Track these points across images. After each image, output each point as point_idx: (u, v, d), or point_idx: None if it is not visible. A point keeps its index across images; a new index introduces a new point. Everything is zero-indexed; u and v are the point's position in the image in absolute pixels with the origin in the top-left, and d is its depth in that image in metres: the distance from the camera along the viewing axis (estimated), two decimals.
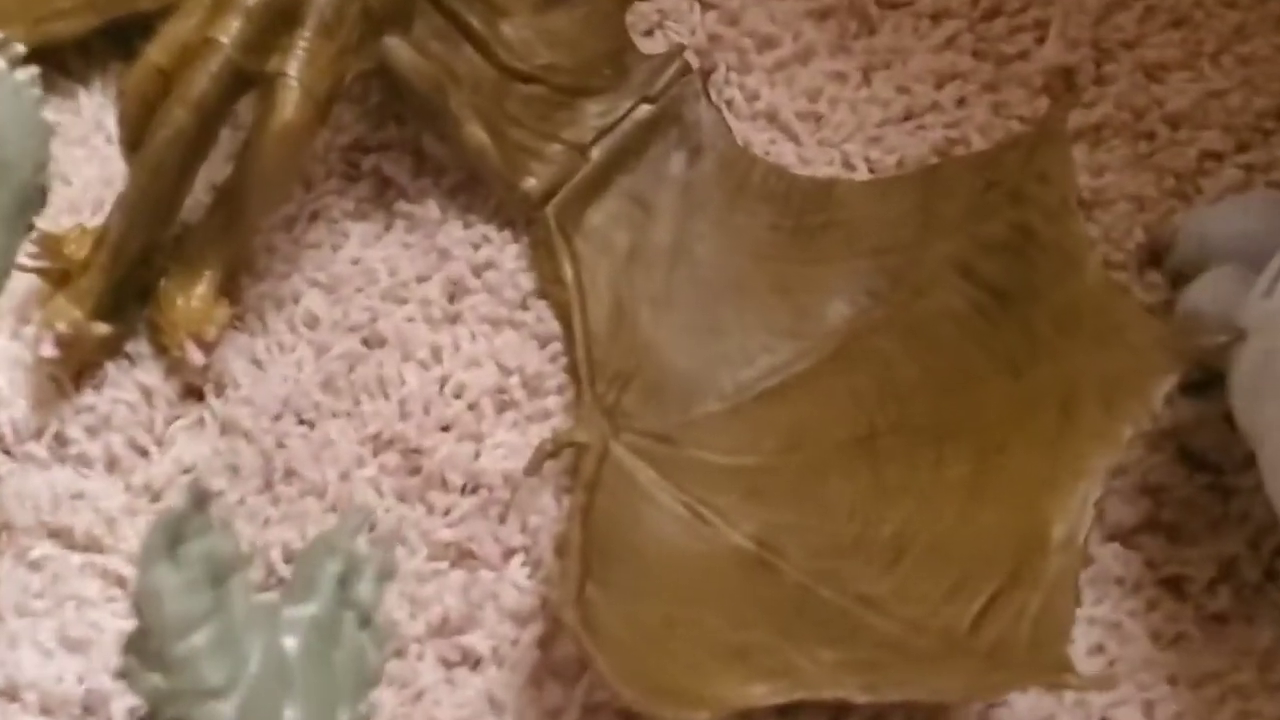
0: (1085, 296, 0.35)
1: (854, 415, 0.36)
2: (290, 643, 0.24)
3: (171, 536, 0.22)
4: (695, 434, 0.37)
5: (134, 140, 0.36)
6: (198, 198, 0.39)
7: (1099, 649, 0.34)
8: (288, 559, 0.35)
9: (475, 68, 0.39)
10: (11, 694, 0.34)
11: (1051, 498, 0.32)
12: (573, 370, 0.38)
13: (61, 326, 0.36)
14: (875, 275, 0.39)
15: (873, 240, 0.39)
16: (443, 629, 0.35)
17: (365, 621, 0.26)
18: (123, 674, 0.23)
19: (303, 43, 0.35)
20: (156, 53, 0.35)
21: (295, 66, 0.35)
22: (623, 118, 0.41)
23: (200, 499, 0.23)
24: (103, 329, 0.37)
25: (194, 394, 0.38)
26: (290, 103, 0.35)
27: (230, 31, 0.35)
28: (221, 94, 0.35)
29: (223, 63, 0.34)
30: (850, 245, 0.39)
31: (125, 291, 0.38)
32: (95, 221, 0.39)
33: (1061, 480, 0.32)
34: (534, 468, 0.35)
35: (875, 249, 0.39)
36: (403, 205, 0.41)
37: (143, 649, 0.23)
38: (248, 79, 0.35)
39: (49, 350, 0.36)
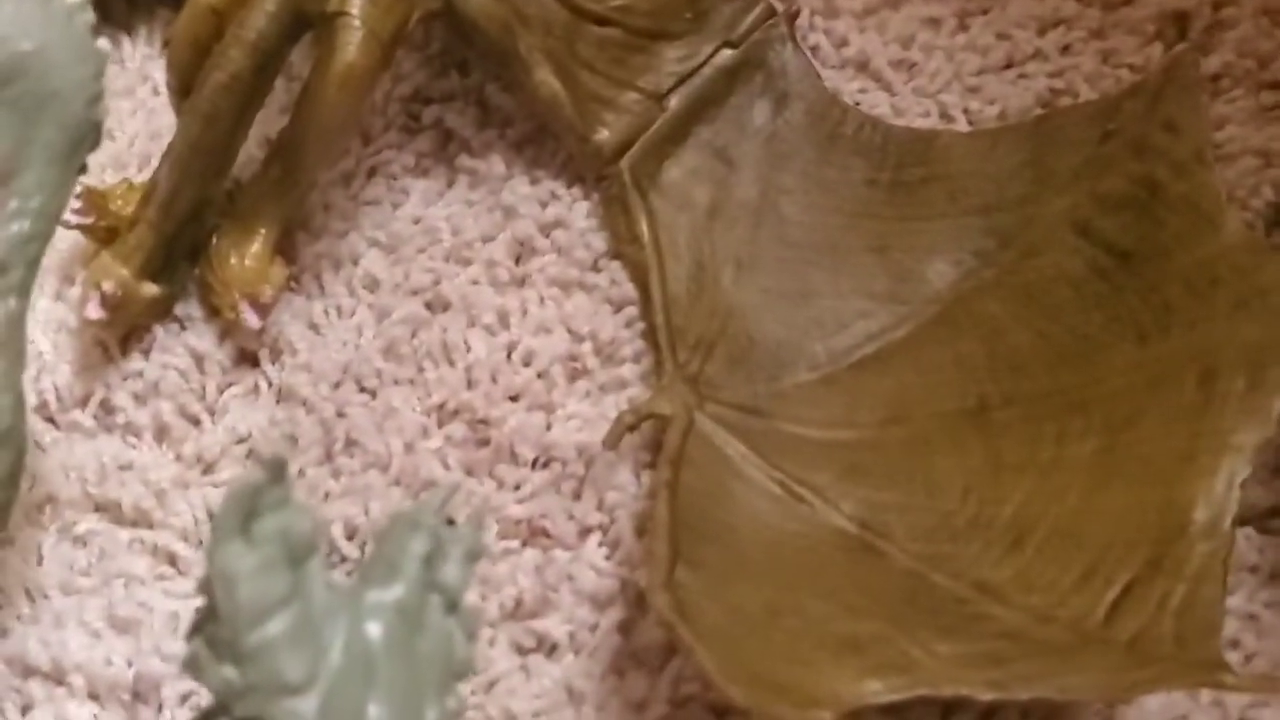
0: (1222, 256, 0.32)
1: (962, 385, 0.33)
2: (373, 630, 0.21)
3: (246, 512, 0.20)
4: (786, 405, 0.34)
5: (184, 87, 0.34)
6: (251, 152, 0.37)
7: (1234, 643, 0.31)
8: (350, 535, 0.33)
9: (546, 9, 0.36)
10: (58, 677, 0.31)
11: (1192, 477, 0.29)
12: (650, 336, 0.35)
13: (108, 286, 0.33)
14: (982, 234, 0.36)
15: (979, 196, 0.36)
16: (516, 612, 0.32)
17: (452, 606, 0.23)
18: (188, 665, 0.20)
19: None
20: None
21: (358, 6, 0.33)
22: (703, 64, 0.38)
23: (277, 470, 0.20)
24: (151, 289, 0.35)
25: (248, 360, 0.36)
26: (353, 44, 0.33)
27: None
28: (279, 35, 0.32)
29: (281, 1, 0.32)
30: (954, 202, 0.36)
31: (175, 250, 0.35)
32: (142, 177, 0.36)
33: (1202, 458, 0.29)
34: (613, 440, 0.32)
35: (982, 206, 0.36)
36: (466, 160, 0.38)
37: (213, 637, 0.20)
38: (307, 19, 0.33)
39: (95, 311, 0.33)
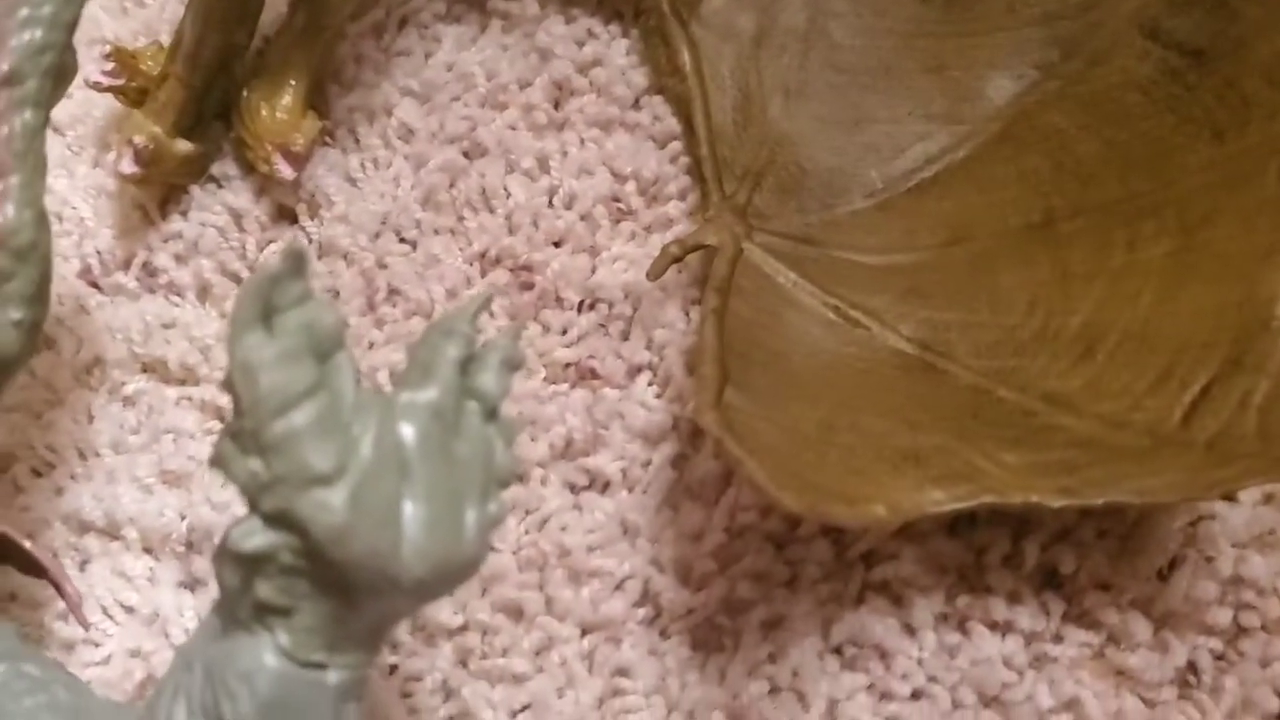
0: None
1: (1027, 200, 0.32)
2: (407, 431, 0.20)
3: (265, 302, 0.19)
4: (840, 233, 0.33)
5: None
6: (277, 7, 0.37)
7: None
8: (396, 383, 0.33)
9: None
10: (113, 532, 0.32)
11: (1272, 272, 0.28)
12: (696, 170, 0.34)
13: (139, 140, 0.33)
14: (1045, 45, 0.34)
15: (1039, 6, 0.34)
16: (567, 451, 0.32)
17: (491, 414, 0.22)
18: (215, 461, 0.20)
19: None
20: None
21: None
22: None
23: (296, 261, 0.19)
24: (185, 146, 0.34)
25: (286, 215, 0.36)
26: None
27: None
28: None
29: None
30: (1013, 13, 0.34)
31: (205, 106, 0.35)
32: None
33: None
34: (658, 271, 0.31)
35: (1043, 15, 0.34)
36: (499, 3, 0.37)
37: (238, 431, 0.20)
38: None
39: (128, 166, 0.33)
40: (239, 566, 0.20)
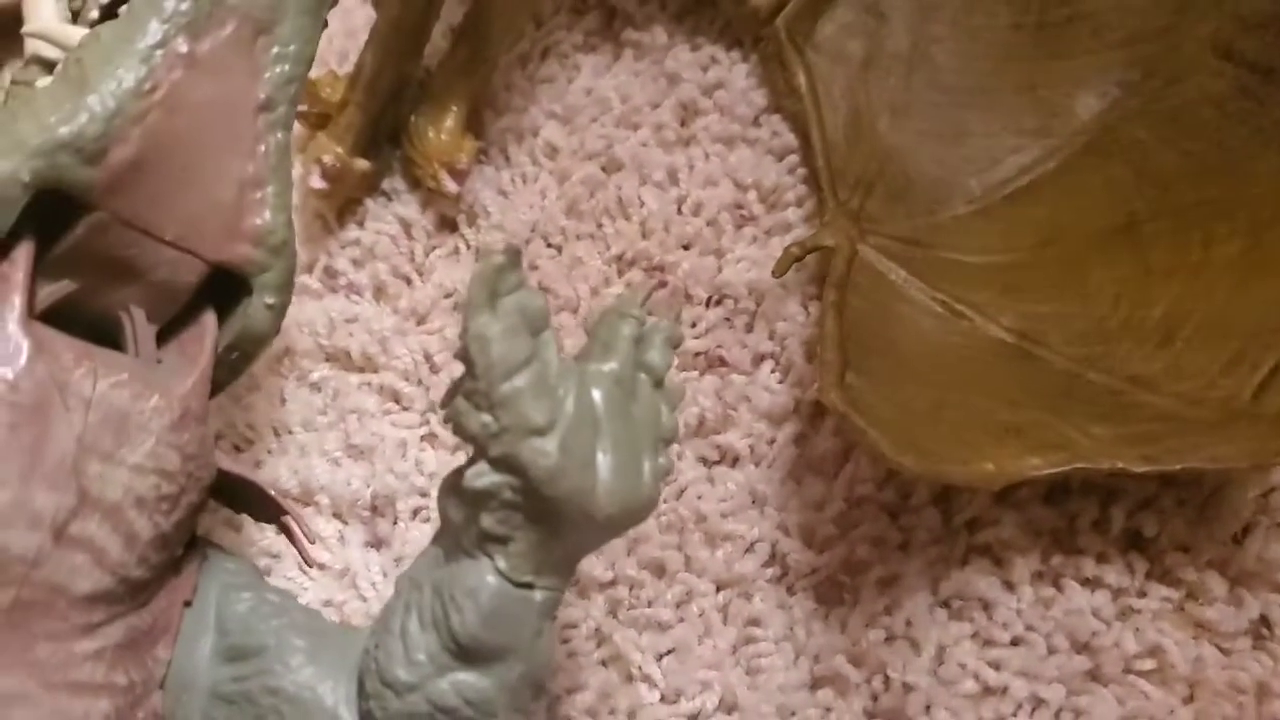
0: None
1: (1112, 206, 0.36)
2: (596, 395, 0.25)
3: (491, 287, 0.24)
4: (944, 236, 0.37)
5: None
6: (437, 43, 0.42)
7: None
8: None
9: None
10: (307, 498, 0.37)
11: None
12: (812, 180, 0.39)
13: (328, 159, 0.38)
14: (1127, 66, 0.38)
15: (1122, 30, 0.38)
16: (700, 430, 0.37)
17: (658, 383, 0.27)
18: (450, 418, 0.25)
19: None
20: None
21: None
22: None
23: (513, 255, 0.24)
24: (363, 164, 0.40)
25: (448, 225, 0.41)
26: None
27: None
28: None
29: None
30: (1098, 37, 0.39)
31: (380, 129, 0.40)
32: (343, 70, 0.41)
33: None
34: (782, 269, 0.36)
35: (1126, 39, 0.38)
36: (630, 34, 0.42)
37: (471, 392, 0.24)
38: None
39: (318, 182, 0.39)
40: (467, 503, 0.25)
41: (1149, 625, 0.33)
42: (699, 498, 0.36)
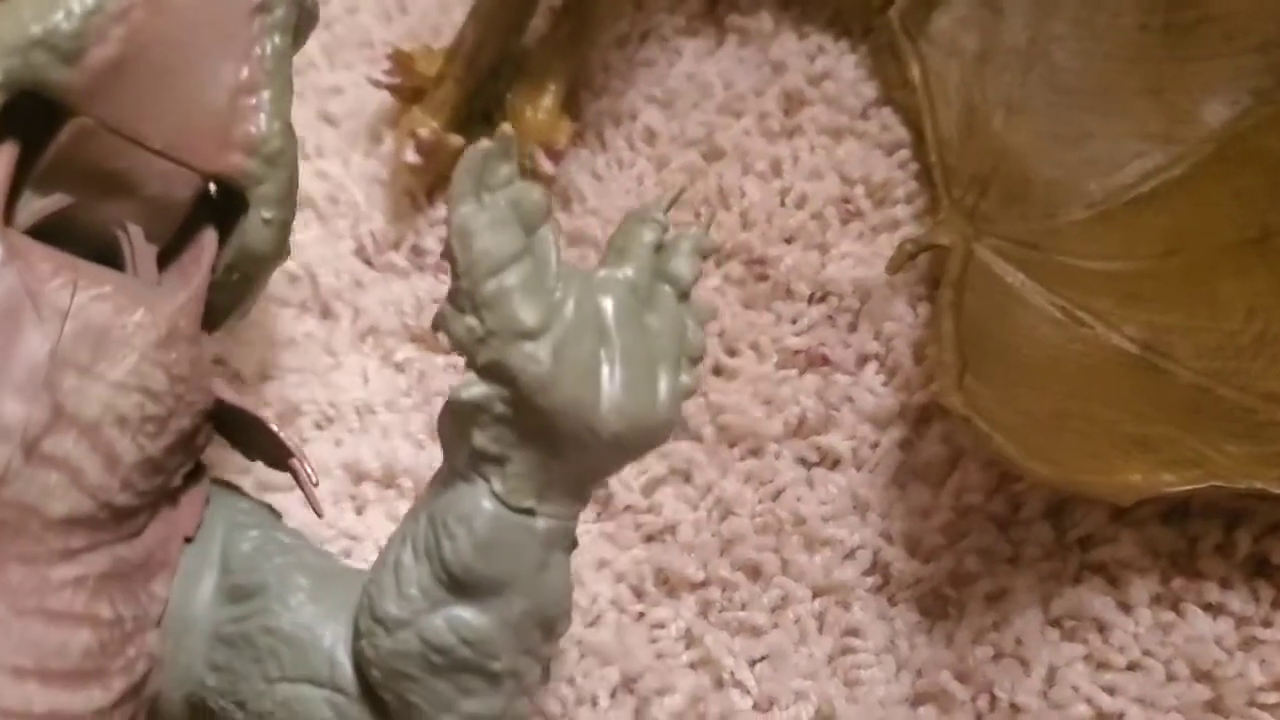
0: None
1: (1243, 217, 0.35)
2: (606, 301, 0.23)
3: (478, 176, 0.22)
4: (1063, 240, 0.36)
5: None
6: (534, 21, 0.41)
7: None
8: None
9: None
10: (388, 481, 0.36)
11: None
12: (925, 175, 0.38)
13: (423, 132, 0.38)
14: (1260, 72, 0.37)
15: (1257, 35, 0.37)
16: (800, 429, 0.35)
17: (683, 296, 0.24)
18: (438, 323, 0.23)
19: None
20: None
21: None
22: None
23: (505, 144, 0.22)
24: (458, 140, 0.39)
25: None
26: None
27: None
28: None
29: None
30: (1230, 41, 0.37)
31: (475, 106, 0.39)
32: (434, 45, 0.41)
33: None
34: (896, 266, 0.35)
35: (1260, 44, 0.37)
36: (735, 19, 0.41)
37: (455, 292, 0.22)
38: None
39: (412, 156, 0.38)
40: (458, 419, 0.23)
41: (1276, 657, 0.31)
42: (798, 500, 0.34)
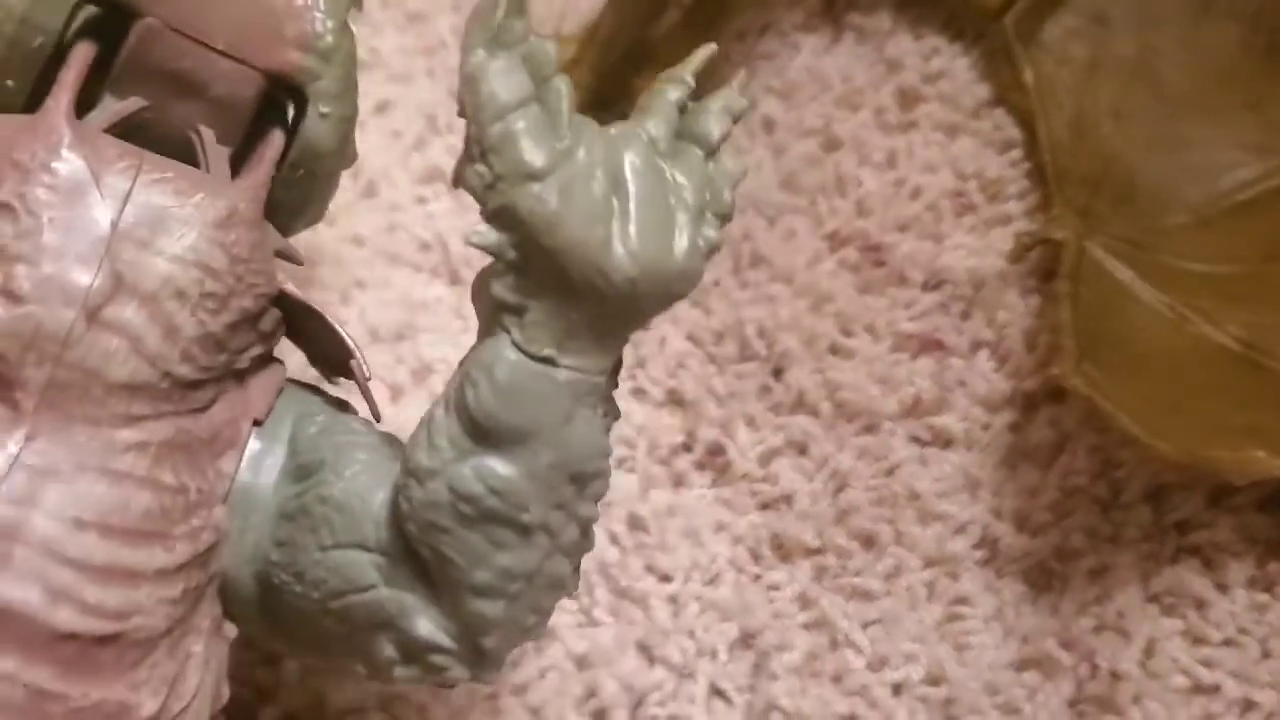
0: None
1: None
2: (623, 154, 0.23)
3: (490, 28, 0.22)
4: (1167, 242, 0.38)
5: None
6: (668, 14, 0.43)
7: None
8: (760, 334, 0.39)
9: None
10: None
11: None
12: (1038, 174, 0.40)
13: None
14: None
15: None
16: (915, 409, 0.37)
17: (710, 154, 0.24)
18: (455, 178, 0.23)
19: None
20: None
21: None
22: None
23: (519, 2, 0.22)
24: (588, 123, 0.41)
25: None
26: None
27: None
28: None
29: None
30: None
31: (605, 94, 0.41)
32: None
33: None
34: (1016, 257, 0.37)
35: None
36: (853, 18, 0.43)
37: (466, 141, 0.22)
38: None
39: None
40: (480, 277, 0.24)
41: None
42: (912, 475, 0.37)
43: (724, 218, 0.24)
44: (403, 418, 0.38)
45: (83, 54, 0.26)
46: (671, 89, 0.25)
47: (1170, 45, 0.41)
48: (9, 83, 0.27)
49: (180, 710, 0.24)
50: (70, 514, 0.23)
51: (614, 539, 0.36)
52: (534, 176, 0.22)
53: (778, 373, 0.38)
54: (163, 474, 0.24)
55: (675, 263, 0.23)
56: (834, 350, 0.39)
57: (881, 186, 0.41)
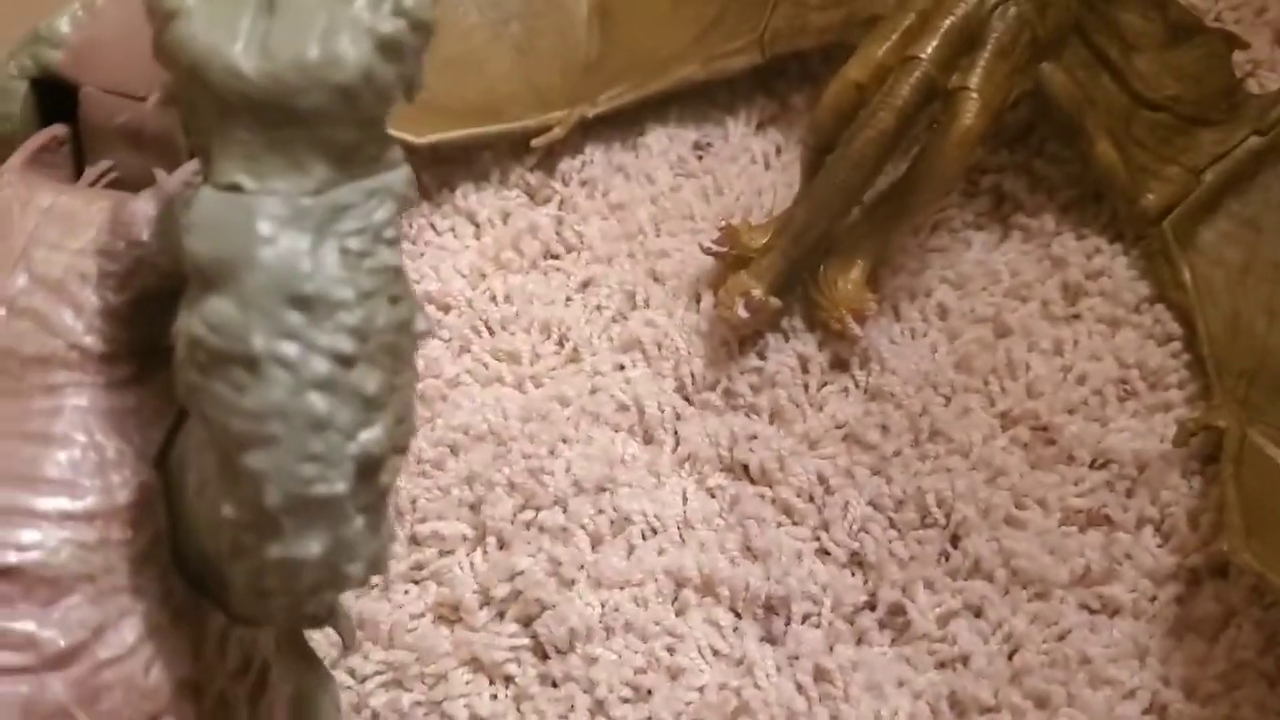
0: None
1: None
2: None
3: None
4: None
5: (824, 145, 0.45)
6: None
7: None
8: (939, 504, 0.43)
9: (1110, 94, 0.46)
10: (708, 590, 0.42)
11: None
12: (1197, 365, 0.44)
13: (757, 293, 0.45)
14: None
15: None
16: (1084, 579, 0.41)
17: None
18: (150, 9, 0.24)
19: (983, 62, 0.44)
20: (855, 70, 0.45)
21: (976, 81, 0.44)
22: (1235, 146, 0.47)
23: None
24: (776, 303, 0.46)
25: (841, 365, 0.47)
26: (971, 112, 0.43)
27: (927, 49, 0.43)
28: (917, 103, 0.44)
29: (921, 76, 0.43)
30: None
31: (794, 275, 0.47)
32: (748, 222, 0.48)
33: None
34: (1181, 441, 0.40)
35: None
36: (1020, 218, 0.49)
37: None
38: (936, 91, 0.44)
39: (744, 312, 0.45)
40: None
41: None
42: (1083, 640, 0.40)
43: (405, 13, 0.24)
44: (601, 565, 0.43)
45: (49, 131, 0.32)
46: None
47: None
48: None
49: (110, 659, 0.26)
50: None
51: (800, 689, 0.40)
52: (174, 13, 0.23)
53: (955, 540, 0.42)
54: (75, 432, 0.28)
55: (317, 55, 0.23)
56: (1008, 521, 0.42)
57: (1050, 371, 0.45)
